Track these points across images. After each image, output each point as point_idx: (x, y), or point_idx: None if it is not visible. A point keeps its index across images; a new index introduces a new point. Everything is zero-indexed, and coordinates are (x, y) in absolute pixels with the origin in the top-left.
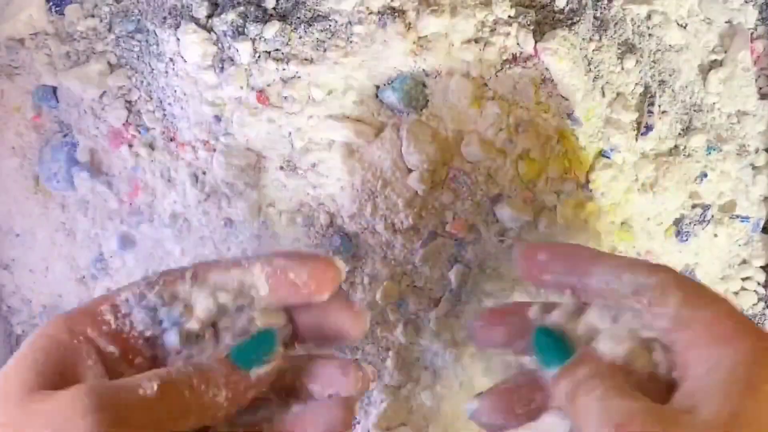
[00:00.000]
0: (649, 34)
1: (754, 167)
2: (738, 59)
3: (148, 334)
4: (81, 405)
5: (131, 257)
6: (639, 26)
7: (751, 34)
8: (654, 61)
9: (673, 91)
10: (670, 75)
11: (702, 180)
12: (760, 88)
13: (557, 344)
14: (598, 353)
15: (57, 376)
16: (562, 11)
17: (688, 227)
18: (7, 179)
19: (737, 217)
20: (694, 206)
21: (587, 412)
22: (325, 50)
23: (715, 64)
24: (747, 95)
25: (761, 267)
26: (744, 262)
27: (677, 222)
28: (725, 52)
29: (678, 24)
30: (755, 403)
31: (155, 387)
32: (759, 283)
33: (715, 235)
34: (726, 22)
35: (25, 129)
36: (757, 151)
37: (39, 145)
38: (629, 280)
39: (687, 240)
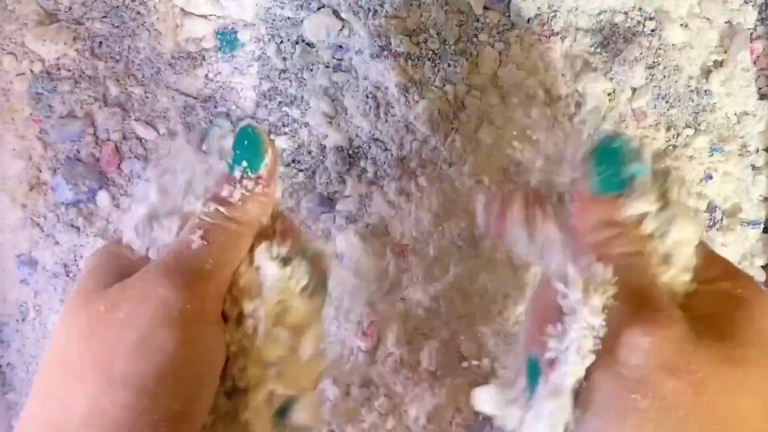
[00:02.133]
0: (651, 31)
1: (754, 167)
2: (738, 60)
3: None
4: (154, 279)
5: None
6: (642, 26)
7: (751, 34)
8: (656, 62)
9: (675, 91)
10: (672, 74)
11: (707, 181)
12: (760, 88)
13: (620, 170)
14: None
15: (124, 271)
16: None
17: (702, 235)
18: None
19: (747, 223)
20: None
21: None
22: None
23: (715, 65)
24: (747, 95)
25: (761, 267)
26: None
27: None
28: (725, 52)
29: (680, 24)
30: None
31: (199, 234)
32: (760, 283)
33: (723, 245)
34: (726, 23)
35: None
36: (757, 151)
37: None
38: None
39: None
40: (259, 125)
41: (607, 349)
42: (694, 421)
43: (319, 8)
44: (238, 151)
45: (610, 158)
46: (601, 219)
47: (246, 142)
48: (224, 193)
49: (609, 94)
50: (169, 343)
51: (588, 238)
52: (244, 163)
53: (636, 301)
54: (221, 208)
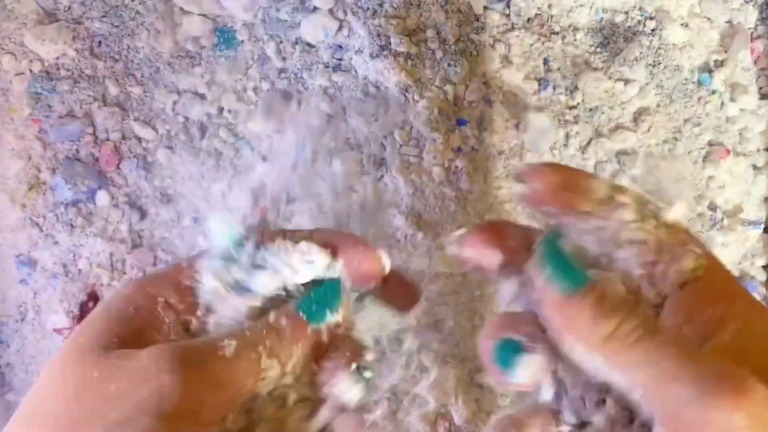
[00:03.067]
0: (652, 30)
1: (755, 167)
2: (738, 59)
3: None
4: (163, 362)
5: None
6: (643, 26)
7: (751, 33)
8: (656, 61)
9: (676, 90)
10: (673, 74)
11: (707, 181)
12: (761, 88)
13: (568, 262)
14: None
15: (133, 335)
16: None
17: (703, 235)
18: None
19: (748, 223)
20: (698, 216)
21: (650, 366)
22: None
23: (716, 64)
24: (747, 95)
25: (762, 267)
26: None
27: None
28: (725, 51)
29: (681, 24)
30: None
31: (233, 347)
32: (760, 283)
33: (724, 245)
34: (726, 22)
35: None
36: (758, 151)
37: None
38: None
39: None
40: (341, 281)
41: None
42: None
43: (314, 9)
44: (312, 298)
45: (560, 254)
46: (595, 311)
47: (323, 294)
48: (279, 321)
49: (609, 94)
50: None
51: (594, 338)
52: (304, 316)
53: (698, 377)
54: (265, 333)
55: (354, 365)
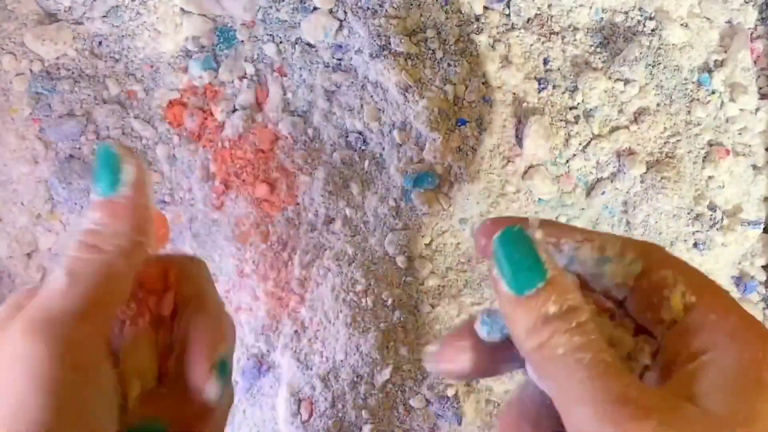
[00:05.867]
0: (652, 30)
1: (754, 167)
2: (738, 59)
3: None
4: (19, 330)
5: None
6: (642, 26)
7: (751, 33)
8: (656, 61)
9: (675, 90)
10: (672, 74)
11: (707, 181)
12: (761, 88)
13: (529, 257)
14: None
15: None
16: None
17: (702, 235)
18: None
19: (748, 223)
20: (698, 216)
21: (564, 381)
22: None
23: (716, 64)
24: (747, 95)
25: (762, 267)
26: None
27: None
28: (725, 51)
29: (680, 24)
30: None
31: (63, 272)
32: (760, 283)
33: (723, 245)
34: (726, 22)
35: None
36: (758, 150)
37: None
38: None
39: (703, 250)
40: (117, 142)
41: None
42: None
43: (314, 9)
44: (97, 173)
45: (518, 246)
46: (535, 318)
47: (103, 161)
48: (88, 222)
49: (609, 94)
50: (45, 413)
51: (528, 344)
52: (100, 185)
53: (596, 401)
54: (82, 237)
55: (216, 359)
